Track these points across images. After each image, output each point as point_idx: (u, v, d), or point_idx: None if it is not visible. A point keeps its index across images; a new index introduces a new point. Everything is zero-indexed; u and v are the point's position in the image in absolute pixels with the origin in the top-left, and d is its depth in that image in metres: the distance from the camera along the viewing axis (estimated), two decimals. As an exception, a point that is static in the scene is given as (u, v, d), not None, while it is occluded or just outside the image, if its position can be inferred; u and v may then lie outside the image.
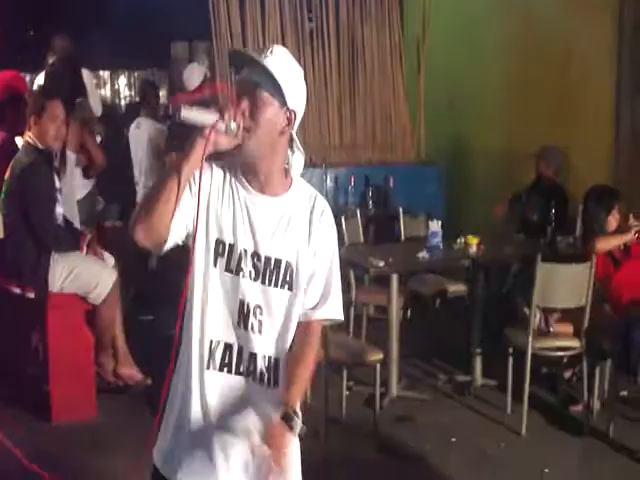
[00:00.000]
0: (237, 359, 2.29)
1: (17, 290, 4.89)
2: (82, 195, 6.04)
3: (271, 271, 2.29)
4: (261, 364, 2.30)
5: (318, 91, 8.33)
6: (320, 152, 8.16)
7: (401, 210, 6.65)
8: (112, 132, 8.00)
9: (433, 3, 8.42)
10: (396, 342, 5.33)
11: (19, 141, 5.32)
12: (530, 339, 4.88)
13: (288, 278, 2.31)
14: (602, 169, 6.72)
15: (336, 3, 8.37)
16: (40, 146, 4.90)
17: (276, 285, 2.29)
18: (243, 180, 2.31)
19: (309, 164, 8.04)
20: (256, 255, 2.28)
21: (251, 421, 2.32)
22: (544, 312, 5.06)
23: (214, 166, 2.31)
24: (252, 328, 2.28)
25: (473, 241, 5.61)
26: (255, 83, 2.24)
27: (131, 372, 5.17)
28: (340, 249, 5.77)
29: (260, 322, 2.28)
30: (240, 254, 2.26)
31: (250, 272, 2.27)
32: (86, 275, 4.88)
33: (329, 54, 8.38)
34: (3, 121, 5.45)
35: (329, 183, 7.88)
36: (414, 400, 5.36)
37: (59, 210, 4.88)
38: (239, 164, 2.32)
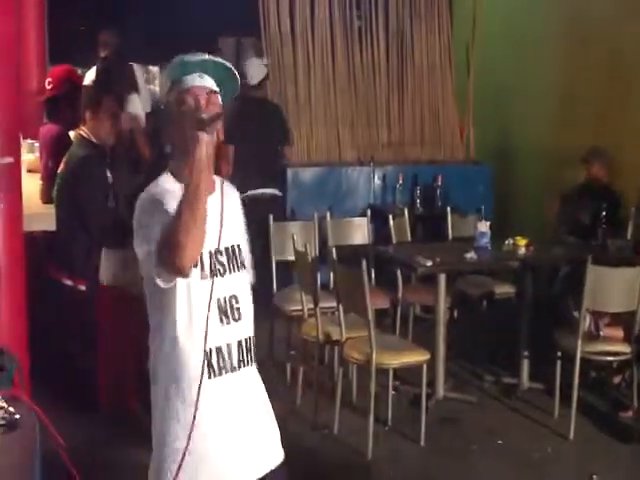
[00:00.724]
0: (229, 355, 2.38)
1: (68, 282, 4.95)
2: (131, 190, 6.08)
3: (232, 259, 2.42)
4: (245, 347, 2.42)
5: (366, 89, 8.32)
6: (368, 150, 8.15)
7: (449, 209, 6.62)
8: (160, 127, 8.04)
9: (483, 3, 8.36)
10: (442, 342, 5.30)
11: (72, 135, 5.38)
12: (579, 343, 4.82)
13: (241, 259, 2.45)
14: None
15: (385, 1, 8.35)
16: (94, 140, 4.95)
17: (238, 269, 2.43)
18: (173, 178, 2.40)
19: (357, 162, 8.04)
20: (218, 251, 2.37)
21: (252, 402, 2.50)
22: (594, 316, 5.00)
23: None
24: (234, 319, 2.38)
25: (522, 242, 5.56)
26: (212, 90, 2.37)
27: None
28: (387, 247, 5.75)
29: (238, 309, 2.39)
30: (209, 257, 2.34)
31: (219, 270, 2.36)
32: (135, 268, 4.92)
33: (378, 52, 8.37)
34: (58, 115, 5.51)
35: (377, 181, 7.86)
36: (460, 401, 5.33)
37: (111, 204, 4.92)
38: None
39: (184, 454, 2.31)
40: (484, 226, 5.72)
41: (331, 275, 5.41)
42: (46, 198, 5.19)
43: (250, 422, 2.47)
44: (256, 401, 2.53)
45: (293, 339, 5.73)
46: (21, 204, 4.17)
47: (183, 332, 2.32)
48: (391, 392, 5.03)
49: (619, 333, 4.98)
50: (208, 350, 2.32)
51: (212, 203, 2.34)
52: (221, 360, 2.36)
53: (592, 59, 7.33)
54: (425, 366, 4.72)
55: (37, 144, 5.86)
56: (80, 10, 9.41)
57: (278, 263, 5.90)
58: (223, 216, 2.40)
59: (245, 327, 2.42)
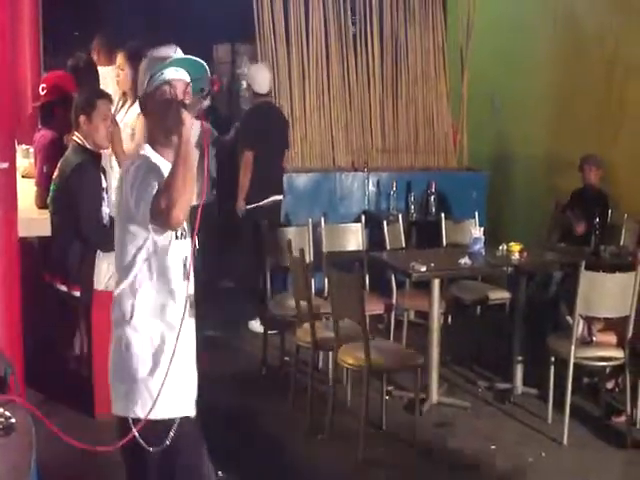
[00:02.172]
0: (190, 305, 2.74)
1: (63, 287, 4.96)
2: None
3: (189, 223, 2.75)
4: (192, 301, 2.78)
5: (361, 94, 8.34)
6: (362, 156, 8.17)
7: (443, 216, 6.64)
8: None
9: (477, 6, 8.39)
10: (437, 348, 5.32)
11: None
12: (572, 348, 4.84)
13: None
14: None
15: (379, 7, 8.37)
16: (88, 146, 4.95)
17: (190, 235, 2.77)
18: (158, 155, 2.71)
19: (351, 168, 8.06)
20: None
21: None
22: (587, 321, 5.02)
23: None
24: (189, 277, 2.71)
25: (515, 248, 5.58)
26: (186, 81, 2.69)
27: None
28: (382, 253, 5.77)
29: (190, 267, 2.72)
30: None
31: (183, 233, 2.73)
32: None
33: (372, 58, 8.39)
34: (52, 121, 5.52)
35: (371, 187, 7.88)
36: (454, 406, 5.35)
37: (105, 210, 4.93)
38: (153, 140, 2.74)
39: (165, 377, 2.61)
40: (478, 232, 5.74)
41: (325, 281, 5.42)
42: (41, 204, 5.20)
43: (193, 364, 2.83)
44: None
45: (287, 345, 5.74)
46: (16, 209, 4.19)
47: (174, 280, 2.69)
48: (385, 397, 5.03)
49: (612, 338, 4.99)
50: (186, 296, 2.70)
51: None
52: (188, 306, 2.71)
53: (588, 65, 7.36)
54: (419, 371, 4.74)
55: (32, 150, 5.87)
56: (75, 16, 9.42)
57: (273, 268, 5.92)
58: None
59: (192, 285, 2.75)
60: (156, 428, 2.63)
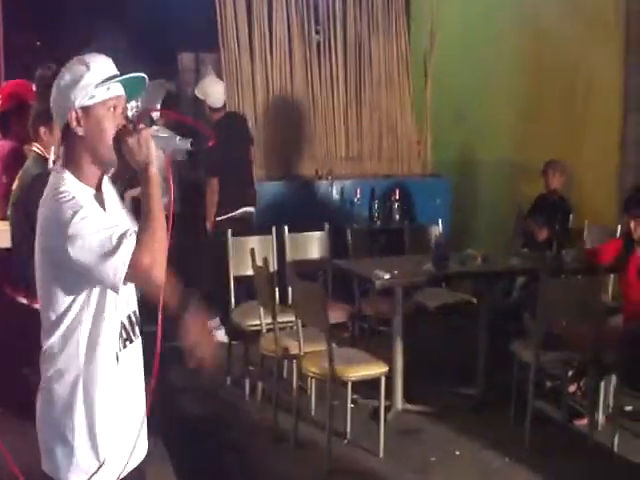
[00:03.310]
0: (131, 326, 2.49)
1: (24, 300, 4.90)
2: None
3: None
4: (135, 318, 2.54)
5: (325, 102, 8.36)
6: (326, 164, 8.18)
7: (407, 223, 6.67)
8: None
9: (441, 14, 8.44)
10: (401, 355, 5.34)
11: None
12: (535, 352, 4.88)
13: None
14: (608, 185, 6.74)
15: (343, 14, 8.41)
16: (48, 156, 4.90)
17: None
18: (80, 182, 2.40)
19: (315, 176, 8.07)
20: None
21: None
22: (550, 326, 5.06)
23: None
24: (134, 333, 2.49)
25: (479, 254, 5.61)
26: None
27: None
28: (346, 261, 5.77)
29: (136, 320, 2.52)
30: None
31: None
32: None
33: (336, 65, 8.42)
34: (10, 131, 5.46)
35: (335, 195, 7.89)
36: (419, 413, 5.36)
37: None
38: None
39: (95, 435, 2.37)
40: (441, 238, 5.77)
41: (289, 290, 5.42)
42: (1, 215, 5.14)
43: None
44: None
45: (251, 355, 5.72)
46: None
47: (105, 328, 2.38)
48: (350, 405, 5.03)
49: (574, 342, 5.04)
50: (118, 322, 2.43)
51: (101, 198, 2.43)
52: (124, 331, 2.46)
53: (552, 73, 7.42)
54: (383, 378, 4.75)
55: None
56: (35, 25, 9.34)
57: (236, 278, 5.90)
58: (110, 211, 2.45)
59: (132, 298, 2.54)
60: None
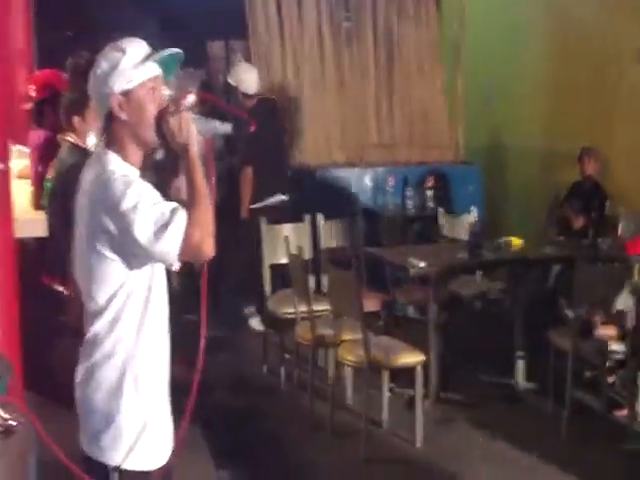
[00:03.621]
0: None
1: (60, 288, 4.92)
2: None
3: None
4: None
5: (356, 89, 8.32)
6: (358, 151, 8.15)
7: (440, 210, 6.62)
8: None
9: (470, 1, 8.37)
10: (437, 344, 5.30)
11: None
12: (573, 342, 4.82)
13: None
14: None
15: (373, 2, 8.36)
16: (83, 145, 4.91)
17: None
18: (125, 162, 2.41)
19: (347, 164, 8.04)
20: None
21: None
22: (587, 314, 5.00)
23: None
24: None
25: (515, 242, 5.56)
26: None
27: (181, 370, 5.17)
28: (379, 249, 5.73)
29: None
30: None
31: None
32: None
33: (366, 52, 8.38)
34: (44, 120, 5.48)
35: (367, 183, 7.86)
36: (455, 403, 5.33)
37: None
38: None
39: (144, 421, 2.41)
40: (475, 226, 5.73)
41: (324, 278, 5.40)
42: (36, 204, 5.16)
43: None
44: None
45: (287, 343, 5.71)
46: (12, 210, 4.16)
47: (154, 309, 2.42)
48: (386, 394, 5.01)
49: (612, 332, 4.98)
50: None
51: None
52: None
53: (582, 58, 7.33)
54: (420, 367, 4.72)
55: (26, 150, 5.83)
56: (66, 15, 9.38)
57: (271, 266, 5.89)
58: None
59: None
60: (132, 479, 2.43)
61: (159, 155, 2.55)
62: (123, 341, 2.38)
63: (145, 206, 2.25)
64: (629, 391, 4.93)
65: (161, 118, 2.36)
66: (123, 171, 2.34)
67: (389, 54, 8.48)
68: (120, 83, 2.36)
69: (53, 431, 2.38)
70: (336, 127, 8.22)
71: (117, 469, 2.39)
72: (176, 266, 2.33)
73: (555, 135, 7.67)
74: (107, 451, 2.39)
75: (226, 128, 2.54)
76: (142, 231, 2.24)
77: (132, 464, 2.40)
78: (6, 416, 2.32)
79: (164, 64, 2.43)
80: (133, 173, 2.37)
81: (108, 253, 2.31)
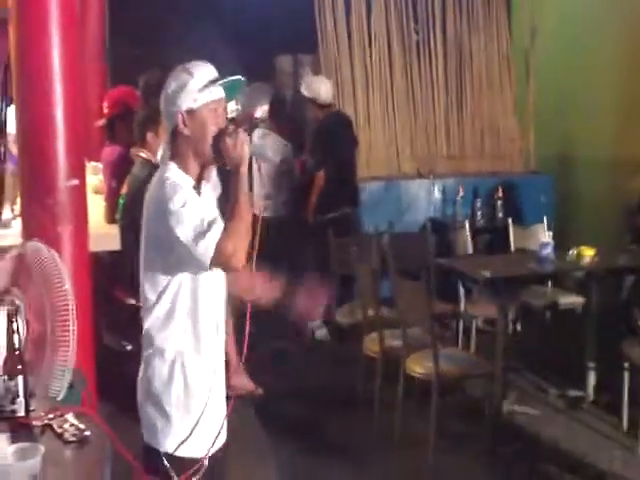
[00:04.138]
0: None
1: (132, 301, 5.02)
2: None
3: None
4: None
5: (425, 102, 8.32)
6: (427, 163, 8.13)
7: (510, 221, 6.57)
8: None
9: (541, 11, 8.29)
10: (505, 355, 5.25)
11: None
12: (647, 354, 4.73)
13: None
14: None
15: (443, 14, 8.35)
16: (155, 161, 5.02)
17: None
18: (183, 172, 2.67)
19: (417, 175, 8.03)
20: None
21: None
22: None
23: None
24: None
25: (587, 252, 5.47)
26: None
27: (243, 382, 5.24)
28: (449, 260, 5.72)
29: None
30: None
31: None
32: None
33: (436, 64, 8.36)
34: (117, 136, 5.61)
35: (437, 194, 7.83)
36: (524, 414, 5.27)
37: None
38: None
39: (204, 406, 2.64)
40: (546, 237, 5.67)
41: (393, 289, 5.40)
42: (110, 218, 5.29)
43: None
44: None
45: (355, 354, 5.71)
46: (87, 225, 4.27)
47: (204, 304, 2.63)
48: (454, 404, 4.99)
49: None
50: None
51: (202, 190, 2.68)
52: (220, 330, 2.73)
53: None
54: (489, 379, 4.68)
55: (101, 166, 5.98)
56: (138, 34, 9.57)
57: (339, 278, 5.91)
58: (209, 203, 2.71)
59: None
60: (182, 465, 2.64)
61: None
62: (173, 337, 2.61)
63: (188, 211, 2.47)
64: None
65: (219, 137, 2.56)
66: (178, 179, 2.58)
67: (459, 65, 8.45)
68: (186, 102, 2.58)
69: (126, 441, 2.45)
70: (405, 139, 8.22)
71: (168, 455, 2.63)
72: (207, 272, 2.53)
73: (626, 144, 7.55)
74: (160, 439, 2.64)
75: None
76: (183, 233, 2.46)
77: (182, 451, 2.63)
78: (81, 426, 2.38)
79: (228, 87, 2.65)
80: (187, 182, 2.60)
81: (157, 252, 2.56)
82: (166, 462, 2.62)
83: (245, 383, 5.25)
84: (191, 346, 2.62)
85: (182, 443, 2.63)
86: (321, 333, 6.72)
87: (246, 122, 8.05)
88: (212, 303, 2.65)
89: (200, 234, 2.44)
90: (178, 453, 2.63)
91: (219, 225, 2.48)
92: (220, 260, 2.46)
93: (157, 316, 2.62)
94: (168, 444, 2.63)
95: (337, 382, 5.85)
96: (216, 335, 2.69)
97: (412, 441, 4.85)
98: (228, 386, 5.33)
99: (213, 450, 2.69)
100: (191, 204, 2.50)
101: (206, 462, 2.66)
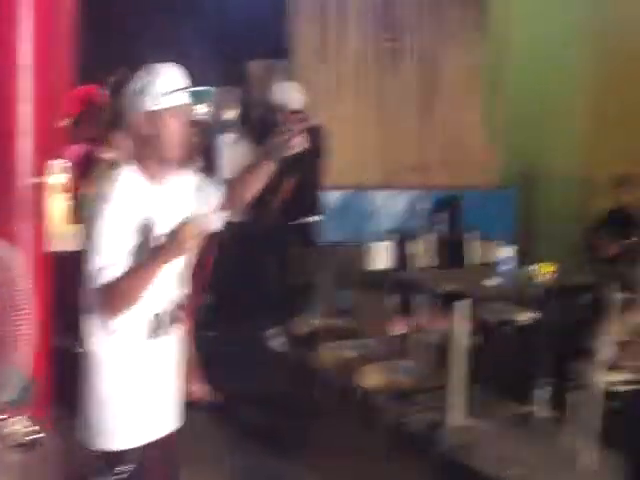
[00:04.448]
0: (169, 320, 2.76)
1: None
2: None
3: None
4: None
5: (395, 112, 8.35)
6: (394, 174, 8.17)
7: (472, 235, 6.61)
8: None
9: (515, 28, 8.38)
10: (461, 369, 5.30)
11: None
12: (599, 372, 4.79)
13: None
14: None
15: (416, 25, 8.39)
16: (119, 160, 4.99)
17: None
18: (141, 174, 2.70)
19: (382, 186, 8.07)
20: None
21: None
22: (615, 344, 4.97)
23: None
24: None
25: (547, 269, 5.53)
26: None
27: (200, 388, 5.21)
28: (410, 273, 5.74)
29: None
30: None
31: None
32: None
33: (408, 75, 8.40)
34: (81, 135, 5.58)
35: (401, 205, 7.87)
36: (477, 429, 5.32)
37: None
38: None
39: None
40: (507, 251, 5.71)
41: (352, 300, 5.43)
42: (73, 219, 5.25)
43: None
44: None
45: (311, 364, 5.72)
46: (46, 224, 4.24)
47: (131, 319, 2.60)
48: (408, 418, 5.02)
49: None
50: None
51: (162, 191, 2.68)
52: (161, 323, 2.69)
53: (624, 87, 7.31)
54: (442, 392, 4.72)
55: (66, 164, 5.93)
56: (108, 33, 9.51)
57: (298, 288, 5.92)
58: (169, 204, 2.69)
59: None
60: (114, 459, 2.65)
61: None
62: (103, 342, 2.61)
63: (100, 226, 2.49)
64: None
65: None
66: (125, 186, 2.57)
67: (431, 77, 8.50)
68: (148, 104, 2.57)
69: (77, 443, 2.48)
70: (374, 149, 8.25)
71: (100, 451, 2.65)
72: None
73: (591, 162, 7.65)
74: (92, 437, 2.66)
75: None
76: (87, 237, 2.54)
77: (108, 445, 2.64)
78: (31, 429, 2.38)
79: (194, 94, 2.65)
80: (139, 187, 2.59)
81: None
82: (99, 458, 2.64)
83: (202, 389, 5.23)
84: (120, 352, 2.63)
85: (106, 439, 2.64)
86: (278, 342, 6.71)
87: (215, 125, 8.07)
88: (143, 314, 2.63)
89: (94, 255, 2.49)
90: (107, 448, 2.65)
91: (113, 270, 2.46)
92: (100, 305, 2.49)
93: (85, 321, 2.65)
94: (98, 443, 2.65)
95: (292, 391, 5.86)
96: (150, 341, 2.67)
97: (362, 451, 4.87)
98: (186, 392, 5.34)
99: (141, 443, 2.69)
100: (107, 221, 2.50)
101: (136, 457, 2.67)
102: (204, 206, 2.76)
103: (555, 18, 8.19)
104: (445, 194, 8.00)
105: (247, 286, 7.50)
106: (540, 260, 5.73)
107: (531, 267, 5.65)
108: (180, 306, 2.74)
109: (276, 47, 8.40)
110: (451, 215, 7.74)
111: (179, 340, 2.79)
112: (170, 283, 2.67)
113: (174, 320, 2.72)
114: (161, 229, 2.58)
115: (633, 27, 7.25)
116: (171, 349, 2.77)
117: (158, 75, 2.59)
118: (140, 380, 2.69)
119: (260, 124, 7.80)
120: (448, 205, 7.79)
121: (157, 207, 2.61)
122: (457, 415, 5.28)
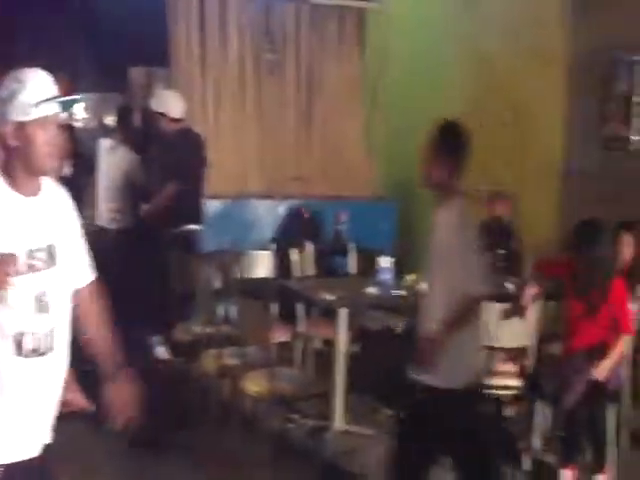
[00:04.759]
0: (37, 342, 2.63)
1: None
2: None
3: (48, 256, 2.62)
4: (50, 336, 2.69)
5: (276, 122, 8.38)
6: (275, 183, 8.19)
7: (352, 245, 6.70)
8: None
9: (395, 41, 8.54)
10: (342, 376, 5.36)
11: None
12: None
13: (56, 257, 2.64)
14: (549, 216, 6.85)
15: (297, 36, 8.46)
16: None
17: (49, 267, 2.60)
18: (9, 187, 2.57)
19: (263, 195, 8.08)
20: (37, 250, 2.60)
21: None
22: (489, 351, 5.12)
23: None
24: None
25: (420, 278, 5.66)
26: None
27: (75, 398, 5.10)
28: (290, 281, 5.77)
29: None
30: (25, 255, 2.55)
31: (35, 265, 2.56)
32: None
33: (287, 85, 8.45)
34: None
35: (282, 215, 7.89)
36: (358, 435, 5.38)
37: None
38: None
39: None
40: (385, 262, 5.81)
41: (233, 308, 5.42)
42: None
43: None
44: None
45: (193, 372, 5.69)
46: None
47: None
48: (290, 425, 5.04)
49: (513, 368, 5.11)
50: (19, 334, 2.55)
51: (34, 204, 2.55)
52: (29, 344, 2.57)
53: (498, 105, 7.54)
54: (324, 399, 4.76)
55: None
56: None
57: (180, 295, 5.88)
58: (44, 216, 2.57)
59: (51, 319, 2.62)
60: None
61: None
62: None
63: None
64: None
65: None
66: None
67: (310, 87, 8.56)
68: (15, 114, 2.46)
69: None
70: (254, 159, 8.26)
71: None
72: None
73: (470, 175, 7.82)
74: None
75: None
76: None
77: None
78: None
79: (63, 102, 2.56)
80: (10, 201, 2.48)
81: None
82: None
83: (78, 399, 5.11)
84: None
85: None
86: (160, 350, 6.64)
87: (93, 131, 7.91)
88: (6, 333, 2.53)
89: None
90: None
91: None
92: None
93: None
94: None
95: (174, 399, 5.80)
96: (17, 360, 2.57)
97: (245, 458, 4.86)
98: (61, 402, 5.20)
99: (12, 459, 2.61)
100: None
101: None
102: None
103: (434, 32, 8.39)
104: (326, 204, 8.08)
105: (127, 293, 7.37)
106: (417, 270, 5.84)
107: (408, 277, 5.76)
108: (51, 328, 2.63)
109: (159, 54, 8.31)
110: (334, 225, 7.83)
111: (56, 359, 2.71)
112: (30, 305, 2.55)
113: (47, 340, 2.62)
114: (34, 243, 2.50)
115: (501, 43, 7.50)
116: (45, 369, 2.67)
117: (26, 84, 2.46)
118: (6, 399, 2.60)
119: (140, 131, 7.71)
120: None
121: (27, 221, 2.51)
122: (339, 421, 5.34)
